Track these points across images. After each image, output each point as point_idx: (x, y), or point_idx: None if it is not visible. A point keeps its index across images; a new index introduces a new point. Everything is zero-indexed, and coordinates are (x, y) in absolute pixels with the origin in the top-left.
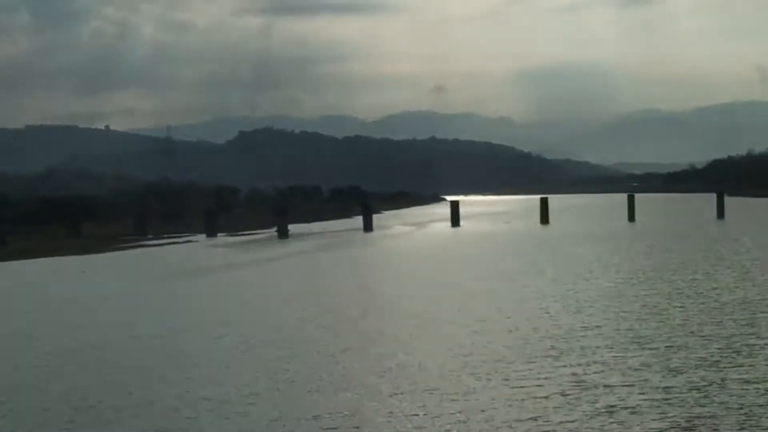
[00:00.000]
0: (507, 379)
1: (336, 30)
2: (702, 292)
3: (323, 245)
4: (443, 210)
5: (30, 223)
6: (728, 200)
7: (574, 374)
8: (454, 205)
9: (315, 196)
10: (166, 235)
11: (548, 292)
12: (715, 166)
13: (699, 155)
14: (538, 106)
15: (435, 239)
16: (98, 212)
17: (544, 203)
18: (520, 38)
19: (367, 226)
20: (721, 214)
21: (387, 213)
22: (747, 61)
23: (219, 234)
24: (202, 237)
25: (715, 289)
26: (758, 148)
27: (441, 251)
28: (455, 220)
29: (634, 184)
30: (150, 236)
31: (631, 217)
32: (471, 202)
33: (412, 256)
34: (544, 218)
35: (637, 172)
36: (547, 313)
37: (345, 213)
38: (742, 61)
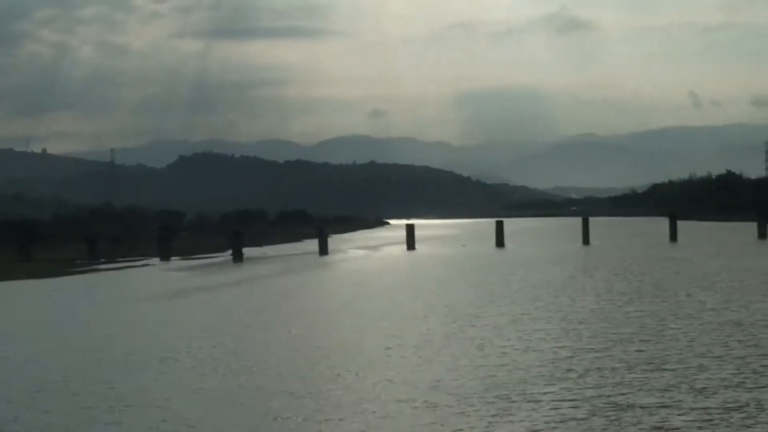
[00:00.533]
0: (539, 401)
1: (274, 54)
2: (693, 314)
3: (285, 268)
4: (391, 233)
5: None
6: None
7: (603, 395)
8: (410, 228)
9: (261, 220)
10: (120, 259)
11: (538, 315)
12: (656, 189)
13: (635, 179)
14: (475, 131)
15: (396, 262)
16: (45, 236)
17: (499, 226)
18: (459, 62)
19: (323, 250)
20: (674, 236)
21: (335, 237)
22: (681, 87)
23: (173, 258)
24: (156, 261)
25: (705, 310)
26: (699, 172)
27: (408, 274)
28: (411, 243)
29: (573, 207)
30: (103, 260)
31: (586, 240)
32: (416, 226)
33: (381, 278)
34: (500, 241)
35: (574, 196)
36: (548, 335)
37: (295, 237)
38: (676, 87)
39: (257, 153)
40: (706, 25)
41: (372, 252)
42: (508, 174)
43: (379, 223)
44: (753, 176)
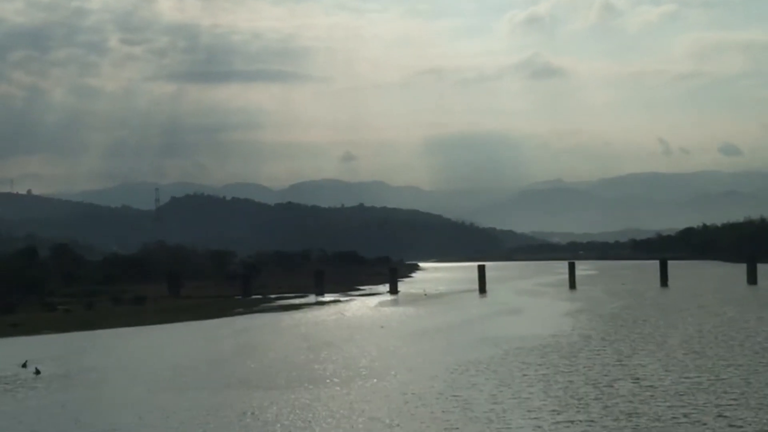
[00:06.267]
0: None
1: (247, 97)
2: None
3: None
4: (448, 275)
5: (106, 283)
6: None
7: None
8: (570, 268)
9: (306, 259)
10: (285, 296)
11: None
12: (691, 233)
13: (605, 225)
14: (445, 176)
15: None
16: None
17: (663, 266)
18: (430, 108)
19: (482, 289)
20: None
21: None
22: (650, 134)
23: (326, 294)
24: (312, 297)
25: None
26: (671, 220)
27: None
28: (572, 282)
29: (581, 252)
30: (255, 296)
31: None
32: (452, 268)
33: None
34: (664, 281)
35: (558, 240)
36: None
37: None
38: (646, 134)
39: (228, 195)
40: (676, 73)
41: (531, 296)
42: (479, 218)
43: (407, 265)
44: None
